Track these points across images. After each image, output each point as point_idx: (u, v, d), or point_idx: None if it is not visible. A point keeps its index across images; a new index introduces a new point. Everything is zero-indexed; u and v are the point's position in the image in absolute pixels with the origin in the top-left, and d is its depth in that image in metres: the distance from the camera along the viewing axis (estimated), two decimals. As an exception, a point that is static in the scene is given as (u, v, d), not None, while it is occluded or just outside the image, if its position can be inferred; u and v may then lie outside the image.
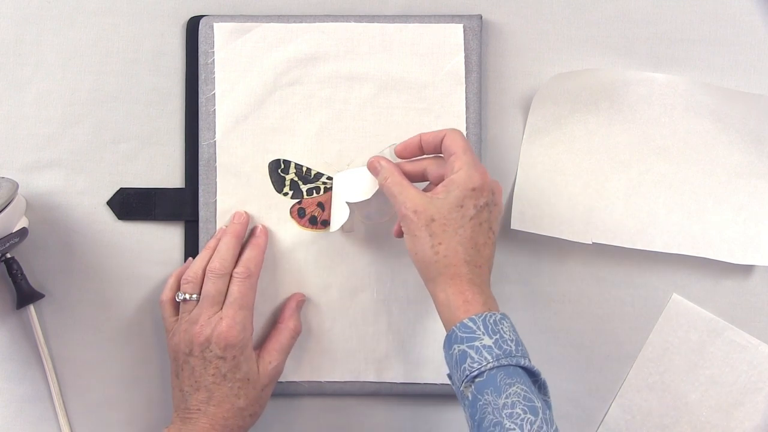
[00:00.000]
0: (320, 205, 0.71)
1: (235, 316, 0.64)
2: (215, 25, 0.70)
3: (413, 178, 0.65)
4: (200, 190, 0.71)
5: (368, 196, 0.67)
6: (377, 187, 0.66)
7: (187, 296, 0.66)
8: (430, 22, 0.70)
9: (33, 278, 0.71)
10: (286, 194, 0.71)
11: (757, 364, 0.71)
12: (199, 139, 0.71)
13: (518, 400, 0.55)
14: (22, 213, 0.70)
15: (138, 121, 0.72)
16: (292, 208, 0.71)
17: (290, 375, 0.71)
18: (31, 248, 0.72)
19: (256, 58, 0.70)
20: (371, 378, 0.71)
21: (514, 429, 0.54)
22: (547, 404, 0.58)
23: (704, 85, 0.71)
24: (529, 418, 0.55)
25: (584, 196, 0.71)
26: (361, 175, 0.68)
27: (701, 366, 0.71)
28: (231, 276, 0.66)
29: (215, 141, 0.70)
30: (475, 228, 0.61)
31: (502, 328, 0.58)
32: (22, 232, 0.69)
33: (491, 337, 0.57)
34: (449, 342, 0.59)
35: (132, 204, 0.72)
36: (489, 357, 0.57)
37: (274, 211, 0.71)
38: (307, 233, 0.71)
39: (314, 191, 0.71)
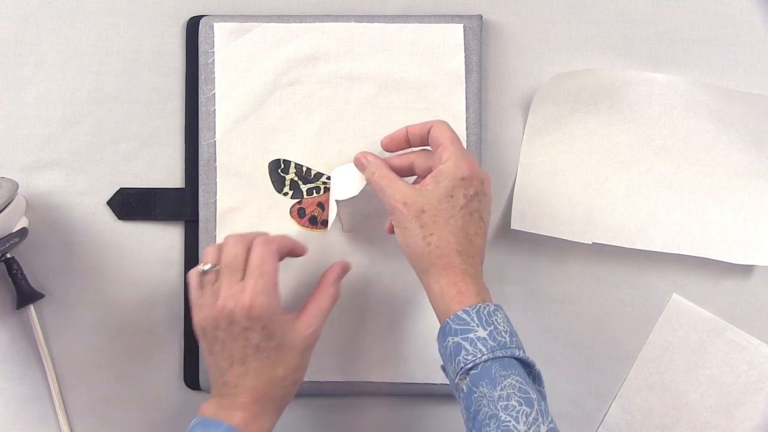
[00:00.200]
0: (320, 205, 0.71)
1: (256, 285, 0.60)
2: (215, 25, 0.70)
3: (401, 172, 0.64)
4: (200, 190, 0.71)
5: (356, 192, 0.66)
6: (365, 183, 0.65)
7: (208, 267, 0.63)
8: (430, 22, 0.70)
9: (33, 278, 0.71)
10: (286, 194, 0.71)
11: (757, 364, 0.71)
12: (199, 139, 0.71)
13: (513, 392, 0.55)
14: (22, 213, 0.70)
15: (138, 121, 0.72)
16: (292, 208, 0.71)
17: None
18: (31, 248, 0.72)
19: (256, 58, 0.70)
20: (371, 378, 0.71)
21: (510, 421, 0.54)
22: (542, 395, 0.58)
23: (704, 85, 0.71)
24: (524, 410, 0.54)
25: (584, 196, 0.71)
26: (350, 172, 0.67)
27: (701, 366, 0.71)
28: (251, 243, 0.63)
29: (215, 141, 0.70)
30: (466, 218, 0.60)
31: (496, 319, 0.58)
32: (22, 232, 0.69)
33: (485, 329, 0.57)
34: (443, 334, 0.59)
35: (132, 204, 0.72)
36: (483, 349, 0.56)
37: (274, 211, 0.71)
38: (307, 233, 0.71)
39: (314, 191, 0.71)
